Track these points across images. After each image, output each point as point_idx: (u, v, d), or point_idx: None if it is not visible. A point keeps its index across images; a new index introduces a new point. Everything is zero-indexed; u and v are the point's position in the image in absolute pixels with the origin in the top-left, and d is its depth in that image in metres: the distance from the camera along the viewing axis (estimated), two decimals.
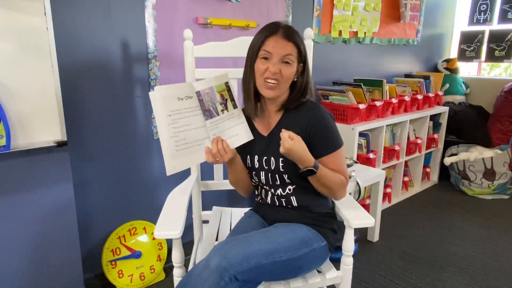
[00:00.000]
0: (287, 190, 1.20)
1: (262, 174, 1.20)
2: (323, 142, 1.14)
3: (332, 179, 1.12)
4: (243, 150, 1.21)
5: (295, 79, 1.16)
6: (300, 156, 1.05)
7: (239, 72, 1.37)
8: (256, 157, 1.21)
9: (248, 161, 1.23)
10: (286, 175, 1.16)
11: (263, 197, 1.27)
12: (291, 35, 1.10)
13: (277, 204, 1.24)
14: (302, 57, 1.14)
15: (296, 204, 1.20)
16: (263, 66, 1.10)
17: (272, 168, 1.18)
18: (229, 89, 1.16)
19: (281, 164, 1.15)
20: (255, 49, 1.11)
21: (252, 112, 1.19)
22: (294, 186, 1.18)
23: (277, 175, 1.18)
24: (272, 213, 1.26)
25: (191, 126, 1.11)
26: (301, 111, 1.16)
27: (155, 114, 1.09)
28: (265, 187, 1.24)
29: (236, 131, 1.17)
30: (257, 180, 1.24)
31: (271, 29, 1.10)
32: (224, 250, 1.01)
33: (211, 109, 1.14)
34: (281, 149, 1.04)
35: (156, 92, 1.08)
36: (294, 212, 1.22)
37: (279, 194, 1.21)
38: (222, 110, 1.15)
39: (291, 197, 1.20)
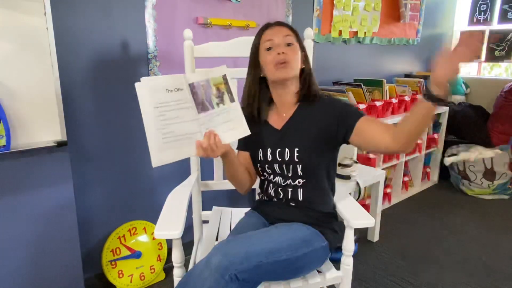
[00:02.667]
0: (296, 182, 1.21)
1: (276, 166, 1.21)
2: (348, 114, 1.15)
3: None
4: (254, 144, 1.23)
5: (303, 66, 1.21)
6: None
7: (239, 72, 1.37)
8: (269, 150, 1.22)
9: (260, 154, 1.24)
10: (300, 166, 1.18)
11: (268, 192, 1.28)
12: (284, 24, 1.20)
13: (282, 195, 1.24)
14: (301, 45, 1.20)
15: (301, 198, 1.21)
16: (270, 55, 1.15)
17: (286, 159, 1.19)
18: (226, 82, 1.12)
19: (296, 154, 1.17)
20: (257, 44, 1.19)
21: (264, 112, 1.24)
22: (304, 180, 1.20)
23: (290, 166, 1.19)
24: (274, 210, 1.27)
25: (181, 119, 1.07)
26: (316, 104, 1.20)
27: (140, 105, 1.04)
28: (276, 177, 1.24)
29: (232, 126, 1.12)
30: (270, 172, 1.24)
31: (265, 25, 1.21)
32: (225, 249, 1.01)
33: (205, 102, 1.10)
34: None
35: (142, 84, 1.04)
36: (297, 210, 1.22)
37: (289, 183, 1.21)
38: (218, 104, 1.11)
39: (299, 190, 1.21)
